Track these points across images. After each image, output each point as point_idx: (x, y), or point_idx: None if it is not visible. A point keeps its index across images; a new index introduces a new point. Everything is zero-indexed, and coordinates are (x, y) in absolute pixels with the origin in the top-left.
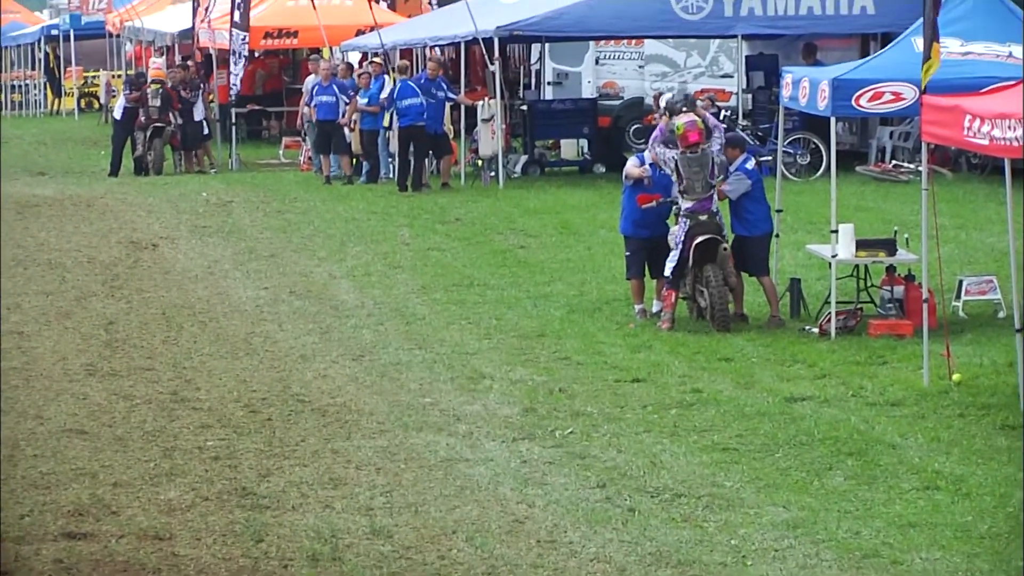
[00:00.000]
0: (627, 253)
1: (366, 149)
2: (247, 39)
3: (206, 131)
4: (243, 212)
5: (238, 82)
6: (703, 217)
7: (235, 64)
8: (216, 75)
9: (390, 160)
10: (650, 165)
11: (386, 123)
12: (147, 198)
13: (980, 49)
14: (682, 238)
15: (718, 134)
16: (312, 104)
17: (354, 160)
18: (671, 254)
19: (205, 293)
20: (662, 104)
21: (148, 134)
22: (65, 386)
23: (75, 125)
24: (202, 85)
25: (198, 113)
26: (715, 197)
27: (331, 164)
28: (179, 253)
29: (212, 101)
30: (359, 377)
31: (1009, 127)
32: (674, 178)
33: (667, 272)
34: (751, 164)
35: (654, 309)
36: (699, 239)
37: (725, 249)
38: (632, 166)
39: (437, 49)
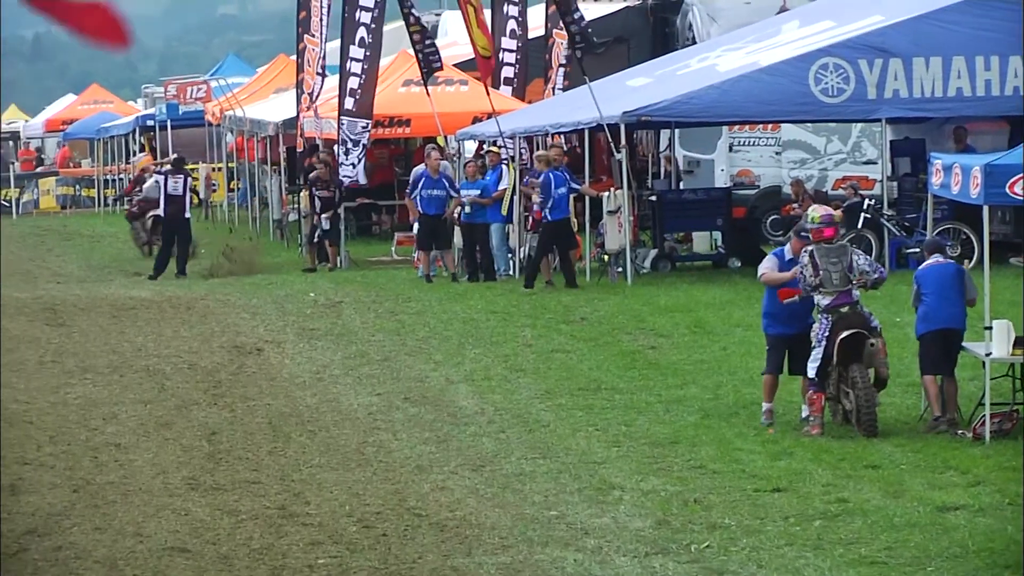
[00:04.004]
0: (767, 348)
1: (477, 245)
2: (368, 127)
3: (326, 226)
4: (353, 313)
5: (357, 173)
6: (845, 310)
7: (347, 154)
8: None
9: (509, 256)
10: (789, 260)
11: (513, 213)
12: (251, 299)
13: None
14: (825, 335)
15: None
16: (413, 196)
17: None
18: (813, 352)
19: (314, 400)
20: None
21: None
22: (166, 501)
23: None
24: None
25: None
26: (854, 291)
27: (430, 261)
28: (286, 358)
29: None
30: (479, 489)
31: None
32: (808, 273)
33: (811, 373)
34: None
35: (803, 414)
36: (843, 334)
37: (873, 344)
38: (769, 268)
39: (561, 137)
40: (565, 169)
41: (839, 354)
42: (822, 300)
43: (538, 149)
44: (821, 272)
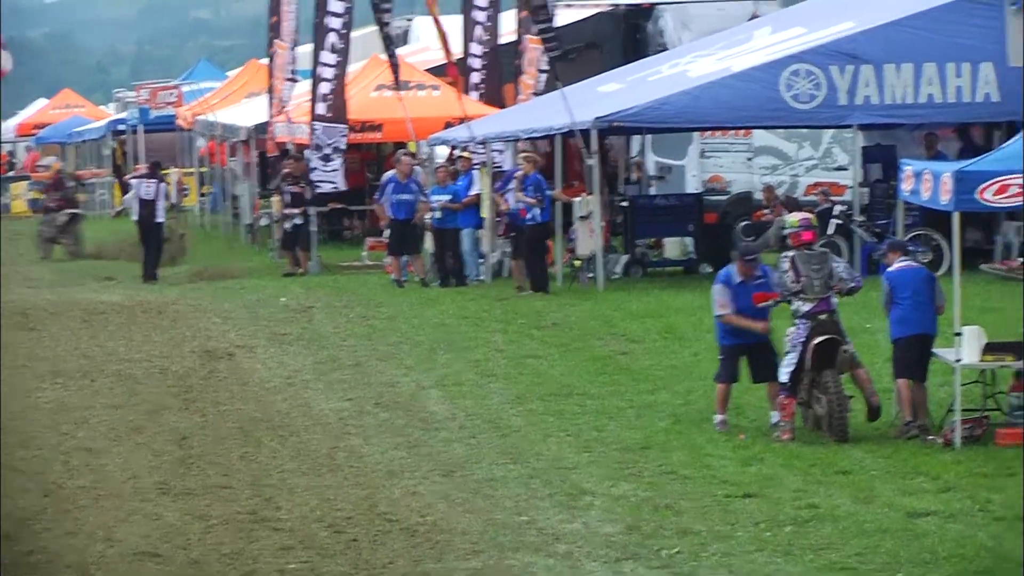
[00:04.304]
0: (720, 357)
1: (448, 250)
2: (346, 132)
3: (298, 222)
4: (325, 318)
5: (338, 179)
6: (823, 317)
7: (326, 161)
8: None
9: (480, 261)
10: (739, 284)
11: (487, 217)
12: (222, 304)
13: None
14: (801, 341)
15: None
16: (383, 201)
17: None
18: (787, 358)
19: (285, 405)
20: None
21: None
22: (136, 506)
23: None
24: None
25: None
26: (832, 299)
27: (402, 267)
28: (257, 363)
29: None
30: (450, 494)
31: None
32: (788, 279)
33: (783, 378)
34: (898, 266)
35: (772, 420)
36: (818, 340)
37: (846, 351)
38: (724, 300)
39: (534, 142)
40: (535, 176)
41: (813, 360)
42: (801, 306)
43: (516, 154)
44: (803, 278)
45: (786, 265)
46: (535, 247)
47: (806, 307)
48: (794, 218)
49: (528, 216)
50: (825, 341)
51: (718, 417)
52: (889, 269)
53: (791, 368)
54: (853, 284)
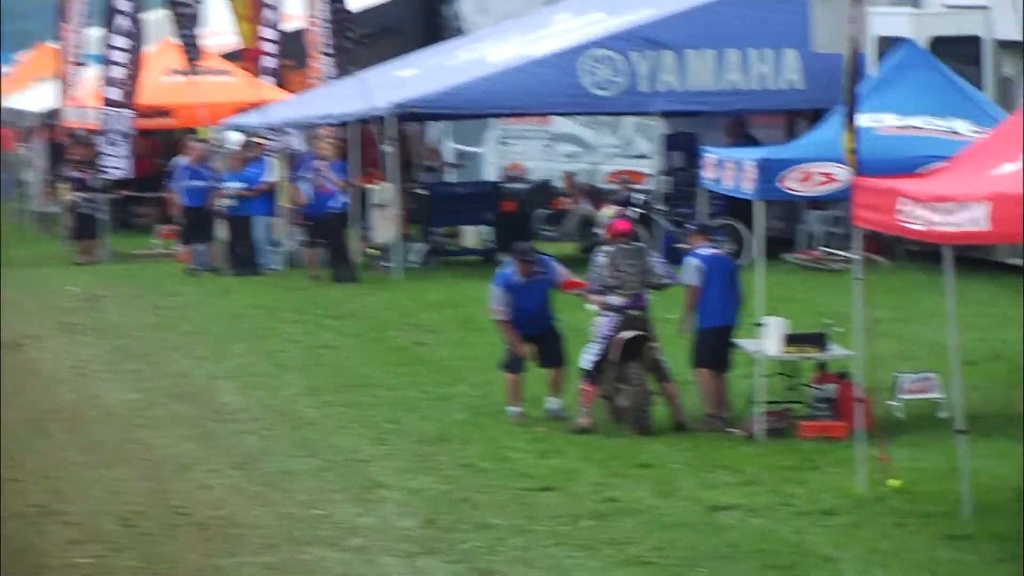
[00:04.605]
0: (507, 346)
1: (241, 238)
2: (133, 117)
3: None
4: (116, 307)
5: (125, 164)
6: (634, 313)
7: (114, 146)
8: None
9: (275, 249)
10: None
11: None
12: (8, 292)
13: (919, 123)
14: (608, 333)
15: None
16: (175, 188)
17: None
18: (591, 346)
19: (75, 397)
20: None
21: None
22: None
23: None
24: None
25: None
26: (646, 296)
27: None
28: (46, 353)
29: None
30: (243, 487)
31: (948, 211)
32: (605, 273)
33: (585, 365)
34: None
35: (548, 406)
36: (626, 335)
37: (652, 348)
38: (503, 305)
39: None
40: (341, 163)
41: (618, 353)
42: (615, 301)
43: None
44: (619, 273)
45: (603, 259)
46: (342, 232)
47: (619, 302)
48: (609, 210)
49: (334, 203)
50: (632, 337)
51: (512, 409)
52: (701, 253)
53: (594, 357)
54: (667, 281)
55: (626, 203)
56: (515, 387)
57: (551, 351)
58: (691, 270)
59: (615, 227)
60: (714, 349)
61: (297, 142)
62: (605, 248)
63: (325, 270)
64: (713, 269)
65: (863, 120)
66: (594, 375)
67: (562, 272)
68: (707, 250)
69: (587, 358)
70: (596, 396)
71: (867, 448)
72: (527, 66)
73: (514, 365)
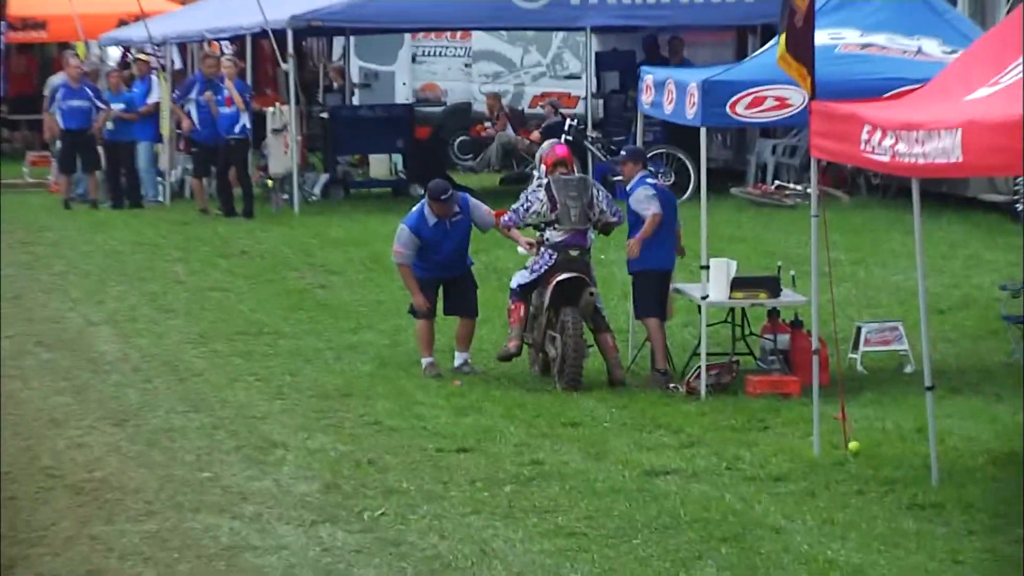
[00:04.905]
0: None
1: (122, 167)
2: (3, 30)
3: None
4: None
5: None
6: (574, 252)
7: None
8: None
9: (159, 180)
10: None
11: (165, 132)
12: None
13: (883, 42)
14: (542, 270)
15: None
16: (52, 110)
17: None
18: (521, 272)
19: None
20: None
21: None
22: None
23: None
24: None
25: None
26: (590, 234)
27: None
28: None
29: None
30: (122, 446)
31: (916, 140)
32: (543, 208)
33: (513, 284)
34: (653, 182)
35: (456, 363)
36: (562, 276)
37: (592, 293)
38: (407, 252)
39: (223, 44)
40: (241, 82)
41: (552, 296)
42: (553, 236)
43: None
44: (559, 206)
45: (541, 193)
46: (244, 163)
47: (558, 237)
48: (547, 143)
49: (238, 127)
50: (569, 279)
51: (425, 360)
52: (651, 182)
53: (524, 280)
54: (614, 220)
55: (555, 130)
56: (427, 335)
57: (461, 299)
58: (649, 197)
59: (554, 153)
60: (660, 295)
61: (182, 59)
62: (541, 180)
63: (215, 203)
64: (666, 201)
65: (821, 37)
66: (524, 293)
67: (486, 212)
68: (649, 179)
69: (515, 279)
70: (524, 317)
71: (823, 406)
72: None
73: (425, 311)
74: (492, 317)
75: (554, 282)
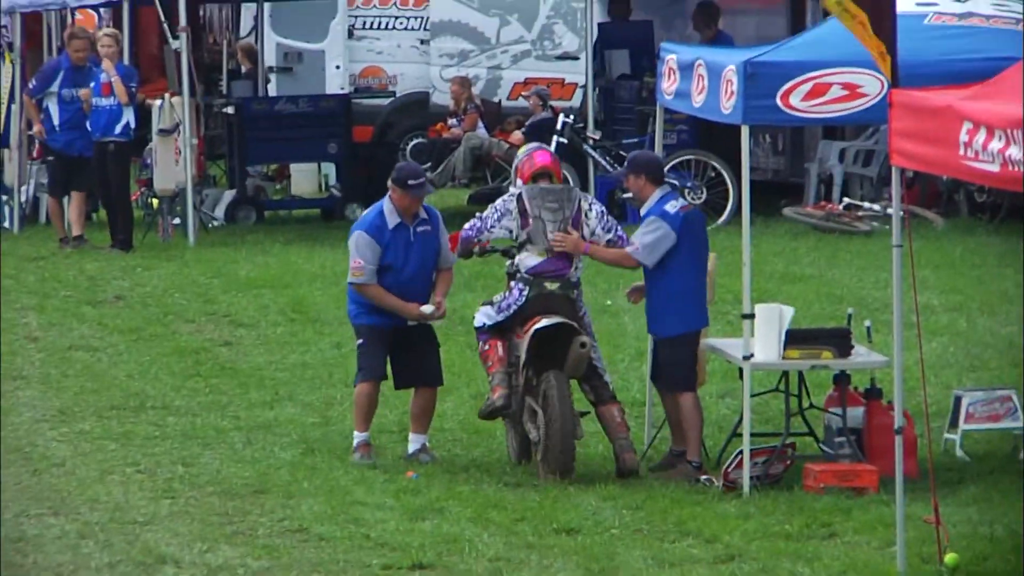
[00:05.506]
0: (359, 342)
1: None
2: None
3: None
4: None
5: None
6: (551, 285)
7: None
8: None
9: (5, 200)
10: (396, 231)
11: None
12: None
13: (987, 9)
14: (510, 309)
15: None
16: None
17: None
18: (485, 309)
19: None
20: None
21: None
22: None
23: None
24: None
25: None
26: (576, 261)
27: None
28: None
29: None
30: None
31: None
32: (514, 223)
33: (477, 322)
34: (674, 207)
35: (409, 450)
36: (542, 323)
37: (584, 346)
38: (358, 259)
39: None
40: (124, 66)
41: (530, 351)
42: (526, 259)
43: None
44: (532, 220)
45: (510, 205)
46: (124, 175)
47: (531, 262)
48: (524, 148)
49: (119, 126)
50: (552, 328)
51: (359, 437)
52: (670, 209)
53: (489, 320)
54: (610, 238)
55: (543, 130)
56: (368, 404)
57: (417, 362)
58: (652, 237)
59: (533, 161)
60: (689, 358)
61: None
62: (513, 192)
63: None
64: (687, 229)
65: (906, 3)
66: (494, 330)
67: (447, 242)
68: (670, 203)
69: (481, 318)
70: (505, 356)
71: (909, 506)
72: None
73: (368, 370)
74: (458, 386)
75: (531, 331)
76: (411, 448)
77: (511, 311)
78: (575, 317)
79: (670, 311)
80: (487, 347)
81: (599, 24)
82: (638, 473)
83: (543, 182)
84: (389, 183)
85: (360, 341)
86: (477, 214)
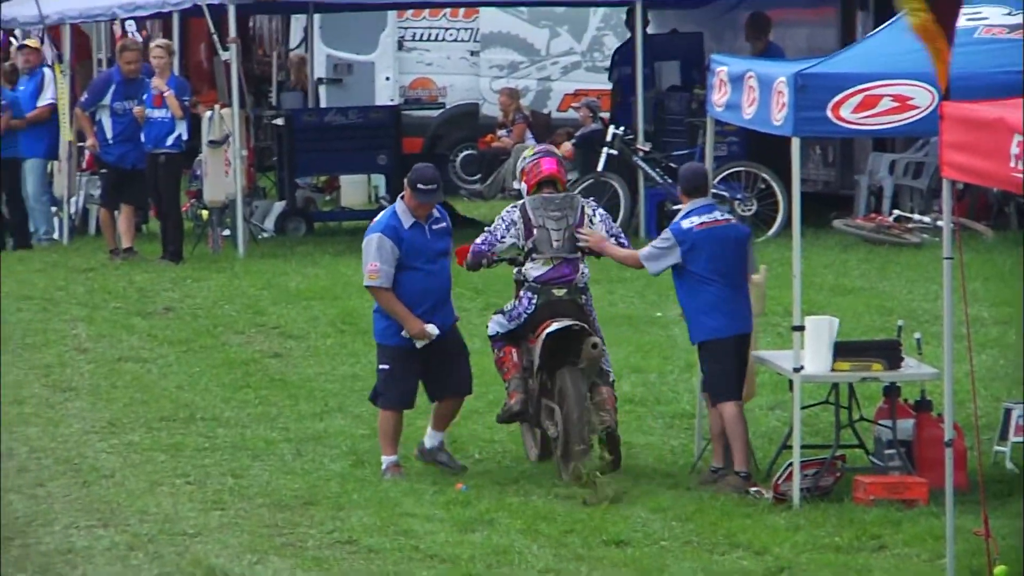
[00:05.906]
0: (381, 367)
1: (2, 191)
2: None
3: None
4: None
5: None
6: (559, 292)
7: None
8: None
9: (55, 211)
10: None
11: (70, 138)
12: None
13: None
14: (521, 318)
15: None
16: None
17: None
18: (497, 318)
19: None
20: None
21: None
22: None
23: None
24: None
25: None
26: (582, 266)
27: None
28: None
29: None
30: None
31: None
32: (518, 233)
33: (491, 331)
34: (692, 222)
35: (426, 444)
36: (553, 327)
37: (595, 346)
38: (373, 263)
39: (133, 26)
40: (176, 78)
41: (543, 354)
42: (531, 270)
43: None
44: (536, 230)
45: (515, 216)
46: (175, 187)
47: (537, 271)
48: (533, 149)
49: (171, 138)
50: (562, 330)
51: (387, 460)
52: (686, 224)
53: (501, 328)
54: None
55: (593, 141)
56: (394, 428)
57: (448, 369)
58: (656, 249)
59: (540, 168)
60: (736, 369)
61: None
62: (516, 204)
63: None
64: (713, 245)
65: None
66: (507, 337)
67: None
68: (691, 218)
69: (493, 326)
70: (520, 362)
71: (959, 518)
72: None
73: (393, 396)
74: (502, 397)
75: (543, 335)
76: (428, 443)
77: (522, 319)
78: (584, 319)
79: (695, 319)
80: (502, 354)
81: (650, 36)
82: (618, 449)
83: (547, 190)
84: (405, 183)
85: (386, 366)
86: (486, 228)
